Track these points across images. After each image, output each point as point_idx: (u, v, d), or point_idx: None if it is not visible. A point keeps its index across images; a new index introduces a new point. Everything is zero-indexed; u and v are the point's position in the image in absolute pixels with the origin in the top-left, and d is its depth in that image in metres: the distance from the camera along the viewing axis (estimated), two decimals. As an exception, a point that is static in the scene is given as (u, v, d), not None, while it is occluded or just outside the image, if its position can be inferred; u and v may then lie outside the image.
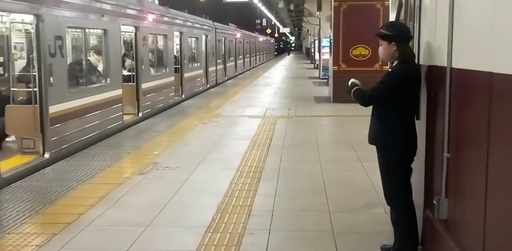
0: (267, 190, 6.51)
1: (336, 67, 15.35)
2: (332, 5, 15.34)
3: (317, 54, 31.12)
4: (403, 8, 4.95)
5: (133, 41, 12.46)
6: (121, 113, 10.99)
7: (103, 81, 10.52)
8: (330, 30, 17.20)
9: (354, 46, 15.02)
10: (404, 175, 4.29)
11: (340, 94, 14.96)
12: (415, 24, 4.57)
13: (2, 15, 8.53)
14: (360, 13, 14.80)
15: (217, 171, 7.47)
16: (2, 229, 5.08)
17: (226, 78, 25.79)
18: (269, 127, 11.22)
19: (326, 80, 22.00)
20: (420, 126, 4.40)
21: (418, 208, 4.41)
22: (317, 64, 29.96)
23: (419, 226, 4.40)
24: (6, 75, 10.03)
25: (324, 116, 13.17)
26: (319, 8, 22.51)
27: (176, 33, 16.33)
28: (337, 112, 13.55)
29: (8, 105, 8.06)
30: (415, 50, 4.52)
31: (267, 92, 19.72)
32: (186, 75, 17.20)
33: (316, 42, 31.63)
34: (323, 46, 24.89)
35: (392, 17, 5.83)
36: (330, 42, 16.36)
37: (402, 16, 5.01)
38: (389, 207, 4.47)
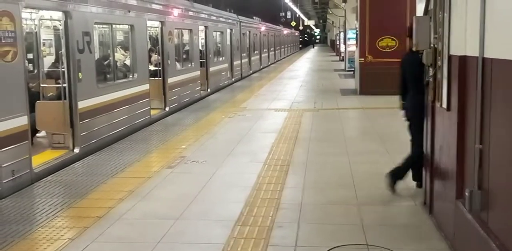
0: (295, 183, 6.50)
1: (363, 59, 15.21)
2: (358, -3, 15.19)
3: (342, 46, 30.89)
4: (432, -2, 4.87)
5: (159, 36, 12.52)
6: (148, 108, 11.08)
7: (130, 76, 10.60)
8: (356, 22, 17.04)
9: (381, 38, 14.86)
10: None
11: (367, 86, 14.86)
12: (445, 14, 4.48)
13: (31, 12, 8.62)
14: (387, 4, 14.62)
15: (245, 165, 7.48)
16: (35, 223, 5.17)
17: (251, 71, 25.77)
18: (296, 120, 11.19)
19: (352, 72, 21.85)
20: (451, 117, 4.33)
21: (450, 200, 4.35)
22: (343, 57, 29.75)
23: (451, 219, 4.35)
24: (35, 71, 10.16)
25: (350, 108, 13.07)
26: (345, 0, 22.31)
27: (201, 28, 16.36)
28: (364, 104, 13.44)
29: (38, 101, 8.18)
30: (446, 41, 4.44)
31: (293, 85, 19.66)
32: (211, 69, 17.24)
33: (342, 34, 31.38)
34: (349, 38, 24.71)
35: (420, 8, 5.73)
36: (356, 34, 16.20)
37: (431, 6, 4.93)
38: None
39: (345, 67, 25.78)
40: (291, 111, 12.57)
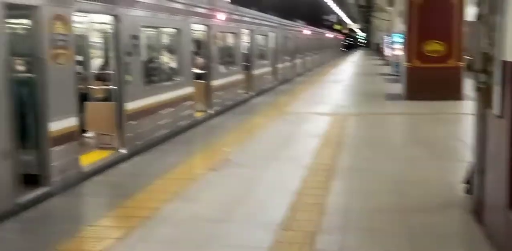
0: (340, 188, 6.49)
1: (409, 63, 15.02)
2: (406, 0, 15.01)
3: (387, 50, 30.56)
4: (485, 2, 4.80)
5: (204, 40, 12.68)
6: (192, 110, 11.22)
7: (176, 79, 10.76)
8: (402, 26, 16.85)
9: (428, 42, 14.64)
10: None
11: (414, 92, 14.65)
12: (499, 18, 4.41)
13: (82, 16, 8.85)
14: (435, 7, 14.40)
15: (289, 169, 7.49)
16: (84, 222, 5.32)
17: (294, 75, 25.77)
18: (340, 125, 11.14)
19: (397, 77, 21.59)
20: (504, 124, 4.26)
21: (501, 210, 4.27)
22: (387, 61, 29.42)
23: (502, 229, 4.26)
24: (84, 73, 10.42)
25: (396, 114, 12.93)
26: (391, 3, 22.10)
27: (245, 31, 16.48)
28: (410, 110, 13.27)
29: (88, 102, 8.40)
30: (499, 46, 4.37)
31: (336, 89, 19.58)
32: (255, 72, 17.33)
33: (387, 37, 31.06)
34: (394, 42, 24.44)
35: (471, 12, 5.64)
36: (404, 38, 16.01)
37: (483, 10, 4.86)
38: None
39: (390, 71, 25.49)
40: (335, 115, 12.52)
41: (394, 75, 23.57)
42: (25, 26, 7.72)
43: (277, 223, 5.23)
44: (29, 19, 6.22)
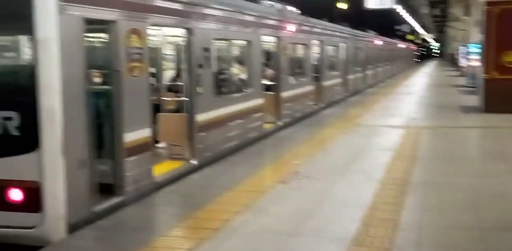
0: (414, 203, 6.33)
1: (487, 75, 14.51)
2: (483, 9, 14.55)
3: (463, 60, 29.70)
4: None
5: (274, 51, 12.76)
6: (262, 122, 11.29)
7: (246, 90, 10.87)
8: (479, 36, 16.34)
9: (507, 53, 14.10)
10: None
11: (492, 104, 14.12)
12: None
13: (156, 29, 9.13)
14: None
15: (360, 182, 7.39)
16: (156, 232, 5.45)
17: (365, 86, 25.46)
18: (413, 138, 10.89)
19: (473, 88, 20.92)
20: None
21: None
22: (463, 72, 28.56)
23: None
24: (155, 85, 10.71)
25: (473, 127, 12.51)
26: (467, 13, 21.49)
27: (316, 42, 16.45)
28: (488, 123, 12.81)
29: (160, 113, 8.63)
30: None
31: (409, 101, 19.18)
32: (325, 83, 17.25)
33: (462, 48, 30.19)
34: (470, 53, 23.73)
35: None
36: (481, 48, 15.51)
37: None
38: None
39: (466, 83, 24.73)
40: (407, 128, 12.26)
41: (469, 87, 22.85)
42: (103, 40, 8.08)
43: (349, 238, 5.16)
44: (106, 33, 6.47)
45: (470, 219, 5.73)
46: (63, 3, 5.44)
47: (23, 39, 7.03)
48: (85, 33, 5.86)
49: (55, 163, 5.36)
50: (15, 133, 5.43)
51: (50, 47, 5.39)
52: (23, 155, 5.38)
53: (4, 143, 5.47)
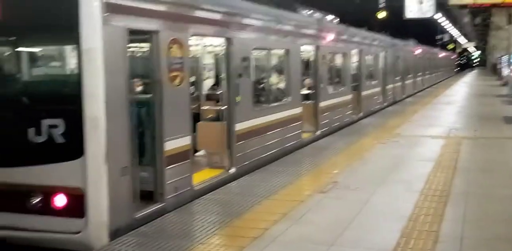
0: (455, 215, 6.24)
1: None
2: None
3: (505, 70, 29.10)
4: None
5: (313, 60, 12.77)
6: (300, 131, 11.30)
7: (284, 100, 10.91)
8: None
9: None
10: None
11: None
12: None
13: (196, 39, 9.27)
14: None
15: (400, 193, 7.32)
16: (195, 239, 5.51)
17: (404, 96, 25.18)
18: (454, 148, 10.72)
19: (516, 98, 20.48)
20: None
21: None
22: (506, 81, 27.97)
23: None
24: (195, 94, 10.86)
25: (515, 138, 12.25)
26: (510, 21, 21.10)
27: (355, 51, 16.41)
28: (532, 134, 12.51)
29: (199, 122, 8.74)
30: None
31: (449, 111, 18.89)
32: (363, 93, 17.16)
33: (505, 57, 29.60)
34: (513, 62, 23.28)
35: None
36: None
37: None
38: None
39: (508, 92, 24.22)
40: (448, 138, 12.07)
41: (513, 96, 22.40)
42: (144, 50, 8.25)
43: (389, 250, 5.12)
44: (148, 43, 6.61)
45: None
46: (108, 14, 5.59)
47: (69, 49, 7.28)
48: (128, 43, 6.00)
49: (98, 170, 5.49)
50: (60, 140, 5.59)
51: (94, 57, 5.53)
52: (68, 162, 5.53)
53: (50, 149, 5.63)
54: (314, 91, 12.62)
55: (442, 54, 48.49)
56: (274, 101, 10.63)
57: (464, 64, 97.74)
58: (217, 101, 9.20)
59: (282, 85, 11.37)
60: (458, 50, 67.74)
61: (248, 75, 8.96)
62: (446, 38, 50.98)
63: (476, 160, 9.60)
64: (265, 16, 9.78)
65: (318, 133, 12.56)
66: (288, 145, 10.54)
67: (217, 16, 8.04)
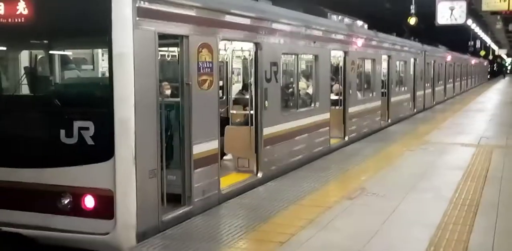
0: (485, 225, 6.15)
1: None
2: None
3: (539, 77, 28.53)
4: None
5: (342, 66, 12.73)
6: (327, 137, 11.27)
7: (312, 105, 10.90)
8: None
9: None
10: None
11: None
12: None
13: (225, 44, 9.33)
14: None
15: (428, 201, 7.24)
16: (222, 243, 5.54)
17: (434, 103, 24.91)
18: (485, 157, 10.57)
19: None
20: None
21: None
22: (539, 89, 27.44)
23: None
24: (223, 98, 10.92)
25: (549, 147, 12.01)
26: (545, 27, 20.67)
27: (384, 57, 16.30)
28: None
29: (227, 126, 8.79)
30: None
31: (480, 118, 18.61)
32: (393, 99, 17.03)
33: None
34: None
35: None
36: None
37: None
38: None
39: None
40: (479, 147, 11.90)
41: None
42: (174, 54, 8.33)
43: (416, 258, 5.08)
44: (178, 47, 6.67)
45: (546, 243, 5.51)
46: (139, 19, 5.66)
47: (100, 53, 7.40)
48: (158, 47, 6.06)
49: (127, 172, 5.55)
50: (90, 142, 5.67)
51: (125, 61, 5.60)
52: (98, 164, 5.61)
53: (80, 151, 5.72)
54: (342, 97, 12.57)
55: (474, 60, 47.83)
56: (302, 106, 10.62)
57: (496, 71, 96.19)
58: (245, 106, 9.24)
59: (310, 90, 11.36)
60: (490, 57, 66.70)
61: (277, 80, 8.97)
62: (478, 44, 50.21)
63: (507, 169, 9.44)
64: (294, 21, 9.78)
65: (346, 139, 12.50)
66: (315, 150, 10.52)
67: (246, 21, 8.08)
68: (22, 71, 6.73)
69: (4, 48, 6.81)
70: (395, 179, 8.67)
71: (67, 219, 5.69)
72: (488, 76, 72.48)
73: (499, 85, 50.03)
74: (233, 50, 10.06)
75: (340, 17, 13.40)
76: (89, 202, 5.64)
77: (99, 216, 5.59)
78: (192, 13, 6.63)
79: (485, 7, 16.05)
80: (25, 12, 5.81)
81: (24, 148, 5.95)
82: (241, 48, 9.79)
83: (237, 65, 11.89)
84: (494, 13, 16.86)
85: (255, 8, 8.57)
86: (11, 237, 5.78)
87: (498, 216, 6.50)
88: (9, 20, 5.88)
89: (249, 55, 9.17)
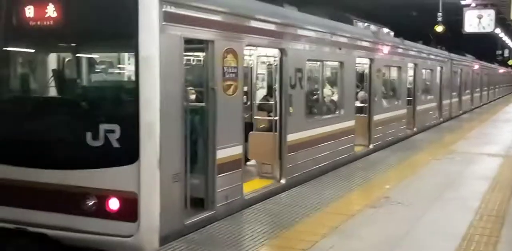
0: (512, 236, 6.06)
1: None
2: None
3: None
4: None
5: (367, 73, 12.68)
6: (352, 144, 11.21)
7: (337, 112, 10.87)
8: None
9: None
10: None
11: None
12: None
13: (250, 50, 9.37)
14: None
15: (454, 212, 7.15)
16: (244, 249, 5.54)
17: (461, 112, 24.64)
18: (512, 167, 10.43)
19: None
20: None
21: None
22: None
23: None
24: (248, 103, 10.94)
25: None
26: None
27: (410, 65, 16.19)
28: None
29: (251, 132, 8.80)
30: None
31: (509, 128, 18.33)
32: (418, 108, 16.89)
33: None
34: None
35: None
36: None
37: None
38: None
39: None
40: (506, 157, 11.73)
41: None
42: (199, 59, 8.38)
43: (441, 268, 5.02)
44: (203, 52, 6.72)
45: None
46: (165, 23, 5.72)
47: (127, 57, 7.49)
48: (184, 52, 6.11)
49: (151, 175, 5.59)
50: (116, 145, 5.72)
51: (151, 65, 5.65)
52: (123, 167, 5.66)
53: (105, 154, 5.77)
54: (367, 104, 12.52)
55: (502, 70, 47.23)
56: (327, 113, 10.60)
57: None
58: (269, 112, 9.25)
59: (335, 97, 11.33)
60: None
61: (302, 86, 8.96)
62: (506, 53, 49.56)
63: (536, 180, 9.30)
64: (320, 27, 9.78)
65: (371, 146, 12.43)
66: (339, 157, 10.47)
67: (271, 27, 8.10)
68: (50, 74, 6.84)
69: (33, 51, 6.93)
70: (420, 188, 8.58)
71: (91, 221, 5.74)
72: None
73: (528, 95, 49.27)
74: (258, 55, 10.11)
75: (366, 24, 13.37)
76: (113, 204, 5.69)
77: (123, 218, 5.63)
78: (218, 18, 6.68)
79: (514, 15, 15.86)
80: (54, 15, 5.91)
81: (50, 149, 6.03)
82: (266, 53, 9.83)
83: (261, 70, 11.92)
84: (523, 21, 16.63)
85: (280, 14, 8.60)
86: (36, 238, 5.86)
87: (526, 228, 6.40)
88: (38, 23, 5.99)
89: (274, 61, 9.20)
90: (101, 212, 5.71)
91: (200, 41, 6.51)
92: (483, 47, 36.70)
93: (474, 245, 5.76)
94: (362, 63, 12.62)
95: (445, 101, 21.08)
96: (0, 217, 6.08)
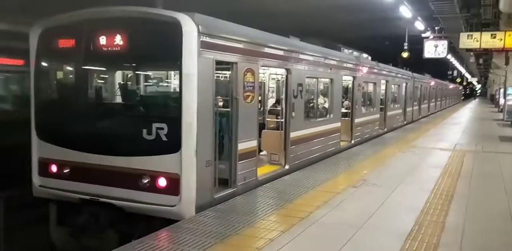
0: (458, 210, 5.99)
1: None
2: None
3: (501, 100, 27.72)
4: None
5: (351, 87, 12.60)
6: (338, 140, 11.15)
7: (328, 116, 10.81)
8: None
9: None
10: None
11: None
12: None
13: (264, 69, 9.34)
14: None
15: (415, 191, 7.08)
16: (258, 216, 5.54)
17: (420, 117, 24.37)
18: (458, 159, 10.29)
19: (510, 122, 19.45)
20: None
21: None
22: (501, 108, 26.62)
23: None
24: (261, 109, 10.92)
25: (509, 153, 11.61)
26: (507, 62, 20.13)
27: (383, 81, 16.06)
28: (522, 150, 11.82)
29: (264, 130, 8.79)
30: None
31: (456, 130, 18.11)
32: (388, 113, 16.75)
33: (501, 90, 28.19)
34: (508, 94, 22.20)
35: None
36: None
37: None
38: None
39: (503, 117, 23.04)
40: (454, 151, 11.60)
41: (507, 121, 21.29)
42: (226, 76, 8.38)
43: (405, 234, 4.98)
44: (229, 71, 6.72)
45: (506, 226, 5.33)
46: (201, 49, 5.74)
47: (173, 74, 7.51)
48: (215, 70, 6.13)
49: (190, 161, 5.62)
50: (164, 138, 5.75)
51: (191, 80, 5.68)
52: (169, 155, 5.69)
53: (157, 145, 5.81)
54: (350, 110, 12.44)
55: (452, 86, 46.67)
56: (320, 116, 10.54)
57: (469, 94, 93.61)
58: (277, 115, 9.23)
59: (326, 105, 11.27)
60: (464, 83, 65.01)
61: (302, 97, 8.93)
62: (455, 73, 49.07)
63: (476, 169, 9.17)
64: (316, 53, 9.74)
65: (353, 142, 12.34)
66: (329, 150, 10.42)
67: (280, 52, 8.07)
68: (117, 86, 6.90)
69: (105, 69, 6.99)
70: (390, 173, 8.51)
71: (146, 194, 5.78)
72: (462, 98, 70.59)
73: (471, 105, 48.58)
74: (270, 73, 10.09)
75: (350, 50, 13.30)
76: (162, 182, 5.72)
77: (169, 193, 5.66)
78: (240, 46, 6.67)
79: (461, 45, 15.78)
80: (121, 43, 5.96)
81: (117, 141, 6.08)
82: (276, 72, 9.80)
83: (272, 85, 11.90)
84: (469, 50, 16.53)
85: (287, 42, 8.58)
86: (106, 206, 5.91)
87: (468, 204, 6.32)
88: (109, 48, 6.04)
89: (281, 77, 9.17)
90: (153, 188, 5.74)
91: (227, 63, 6.52)
92: (438, 68, 36.26)
93: (430, 216, 5.71)
94: (347, 80, 12.54)
95: (408, 109, 20.89)
96: (81, 190, 6.15)
